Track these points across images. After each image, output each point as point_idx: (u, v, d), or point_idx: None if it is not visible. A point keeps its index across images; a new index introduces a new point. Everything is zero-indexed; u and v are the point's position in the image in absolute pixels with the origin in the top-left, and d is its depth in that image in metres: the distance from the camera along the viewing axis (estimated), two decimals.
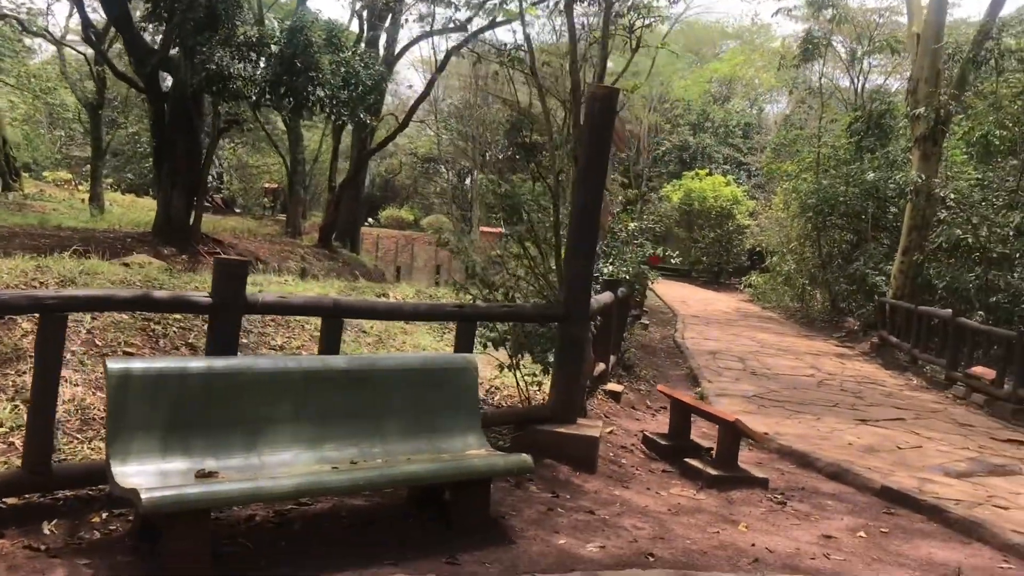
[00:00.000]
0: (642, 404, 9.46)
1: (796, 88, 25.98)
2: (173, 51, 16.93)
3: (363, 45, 21.14)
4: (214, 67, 15.02)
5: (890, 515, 6.26)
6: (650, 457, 7.16)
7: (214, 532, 4.49)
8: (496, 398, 7.63)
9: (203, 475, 4.25)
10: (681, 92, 41.35)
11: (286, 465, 4.53)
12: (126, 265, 8.57)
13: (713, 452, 6.88)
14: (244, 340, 7.67)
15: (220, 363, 4.58)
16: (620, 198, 11.86)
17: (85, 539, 4.27)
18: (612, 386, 9.22)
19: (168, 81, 17.98)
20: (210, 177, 38.41)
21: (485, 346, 7.02)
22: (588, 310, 6.48)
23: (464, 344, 5.90)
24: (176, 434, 4.32)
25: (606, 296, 8.64)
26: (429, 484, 4.94)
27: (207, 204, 38.29)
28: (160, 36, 17.24)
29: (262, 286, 9.73)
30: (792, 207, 22.96)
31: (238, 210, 38.55)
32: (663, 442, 7.16)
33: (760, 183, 35.44)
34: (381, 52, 23.51)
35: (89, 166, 26.08)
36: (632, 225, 10.87)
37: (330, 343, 5.33)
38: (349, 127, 23.02)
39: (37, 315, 4.45)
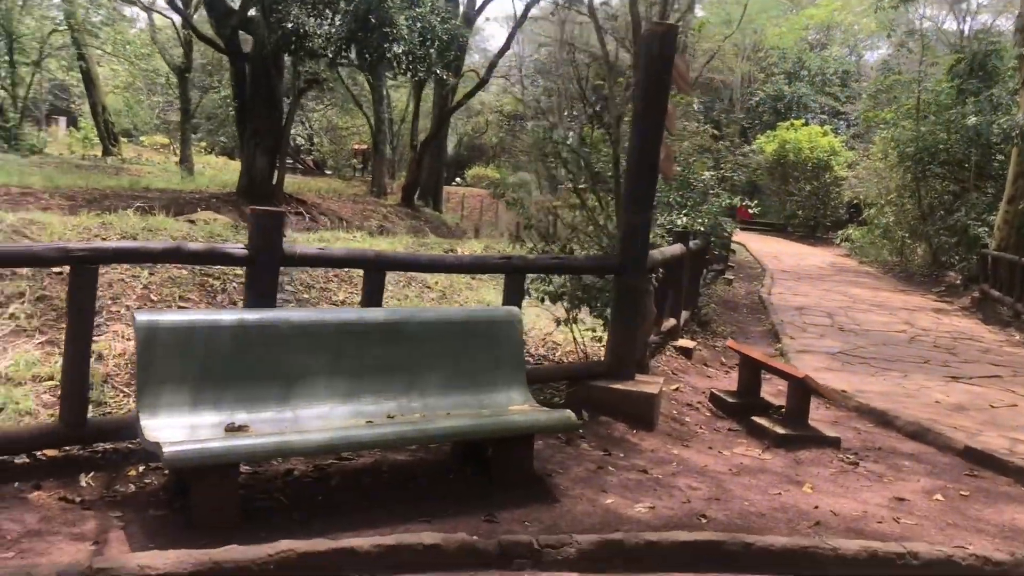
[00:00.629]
0: (716, 361, 9.11)
1: (895, 31, 24.67)
2: (253, 12, 17.08)
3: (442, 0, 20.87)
4: (290, 25, 15.02)
5: (973, 477, 5.84)
6: (716, 415, 6.86)
7: (250, 486, 4.44)
8: (557, 354, 7.43)
9: (232, 429, 4.18)
10: (775, 40, 39.88)
11: (321, 419, 4.42)
12: (191, 222, 8.63)
13: (784, 410, 6.54)
14: (305, 295, 7.67)
15: (252, 316, 4.49)
16: (686, 144, 11.27)
17: (120, 492, 4.25)
18: (683, 342, 8.90)
19: (250, 43, 18.15)
20: (301, 139, 39.20)
21: (542, 300, 6.81)
22: (646, 261, 6.18)
23: (512, 297, 5.69)
24: (207, 387, 4.24)
25: (674, 248, 8.29)
26: (468, 440, 4.78)
27: (298, 166, 39.08)
28: None
29: (329, 242, 9.72)
30: (890, 157, 21.91)
31: (328, 171, 39.04)
32: (730, 400, 6.85)
33: (859, 133, 34.01)
34: (461, 7, 23.27)
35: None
36: (707, 174, 10.38)
37: (372, 295, 5.19)
38: (431, 86, 22.98)
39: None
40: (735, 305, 13.28)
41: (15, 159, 24.13)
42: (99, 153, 29.85)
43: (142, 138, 36.88)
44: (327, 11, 15.92)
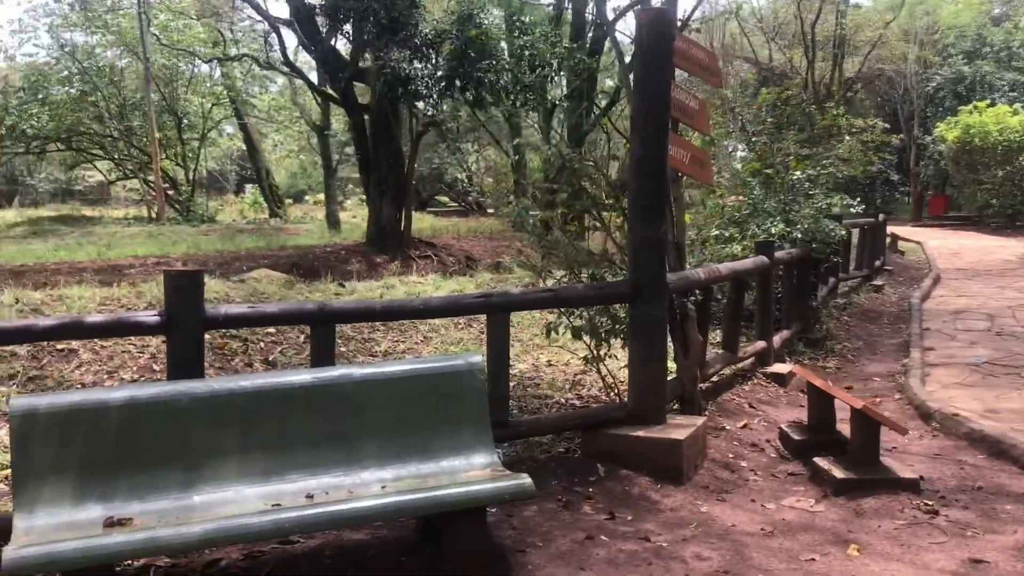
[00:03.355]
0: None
1: None
2: (364, 63, 17.17)
3: (557, 23, 20.36)
4: (389, 71, 14.90)
5: None
6: (782, 457, 5.81)
7: None
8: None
9: (112, 524, 3.69)
10: (951, 19, 36.83)
11: (227, 504, 3.86)
12: (242, 281, 8.41)
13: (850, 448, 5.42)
14: (343, 348, 7.22)
15: (146, 392, 4.01)
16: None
17: None
18: (778, 367, 7.80)
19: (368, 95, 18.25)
20: (463, 179, 39.59)
21: (578, 336, 6.03)
22: (663, 283, 5.29)
23: (496, 340, 4.96)
24: (94, 477, 3.77)
25: (745, 262, 7.26)
26: (408, 517, 4.11)
27: (461, 207, 39.45)
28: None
29: (394, 287, 9.29)
30: None
31: (491, 210, 39.13)
32: (796, 437, 5.78)
33: None
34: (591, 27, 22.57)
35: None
36: (797, 175, 9.10)
37: (321, 353, 4.63)
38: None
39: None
40: (877, 315, 11.80)
41: (184, 228, 25.53)
42: (266, 216, 31.18)
43: (307, 197, 38.36)
44: (430, 51, 15.75)
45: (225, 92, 30.72)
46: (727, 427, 6.20)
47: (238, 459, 4.01)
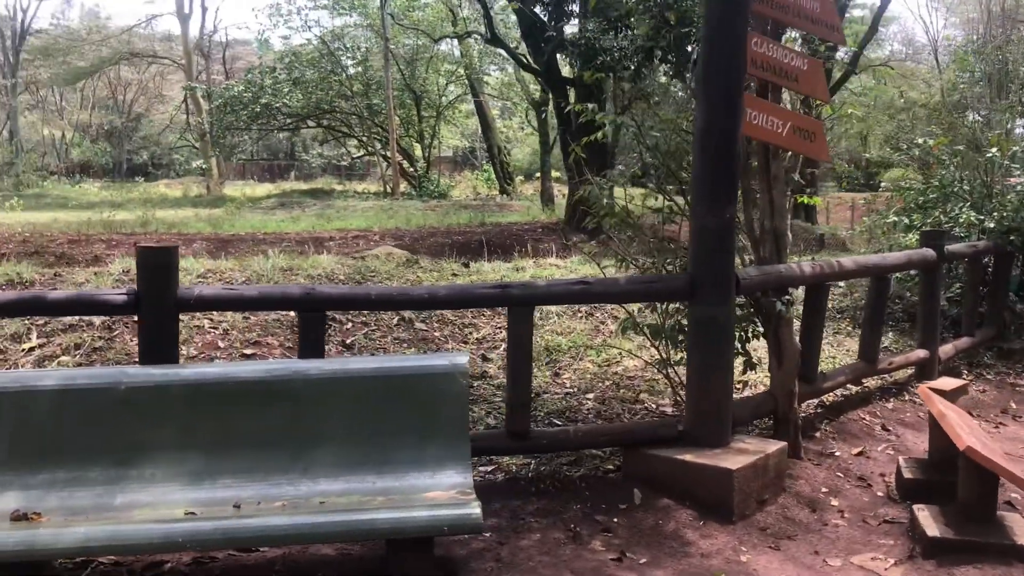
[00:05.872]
0: (1004, 404, 6.52)
1: None
2: (570, 34, 16.63)
3: None
4: (584, 42, 14.28)
5: None
6: (891, 498, 4.69)
7: None
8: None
9: (18, 518, 3.43)
10: None
11: (146, 507, 3.51)
12: (362, 258, 8.15)
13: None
14: (436, 333, 6.83)
15: (82, 376, 3.72)
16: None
17: None
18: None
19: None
20: None
21: (656, 336, 5.21)
22: (729, 280, 4.36)
23: (518, 337, 4.26)
24: (16, 465, 3.54)
25: (884, 256, 6.01)
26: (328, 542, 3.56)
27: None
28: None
29: (524, 269, 8.73)
30: None
31: None
32: (909, 475, 4.63)
33: None
34: None
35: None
36: (994, 150, 7.37)
37: (309, 342, 4.16)
38: None
39: None
40: None
41: (413, 204, 26.21)
42: (496, 192, 31.51)
43: (536, 174, 38.46)
44: (630, 19, 14.95)
45: (461, 70, 31.23)
46: (836, 453, 5.14)
47: (172, 458, 3.64)
